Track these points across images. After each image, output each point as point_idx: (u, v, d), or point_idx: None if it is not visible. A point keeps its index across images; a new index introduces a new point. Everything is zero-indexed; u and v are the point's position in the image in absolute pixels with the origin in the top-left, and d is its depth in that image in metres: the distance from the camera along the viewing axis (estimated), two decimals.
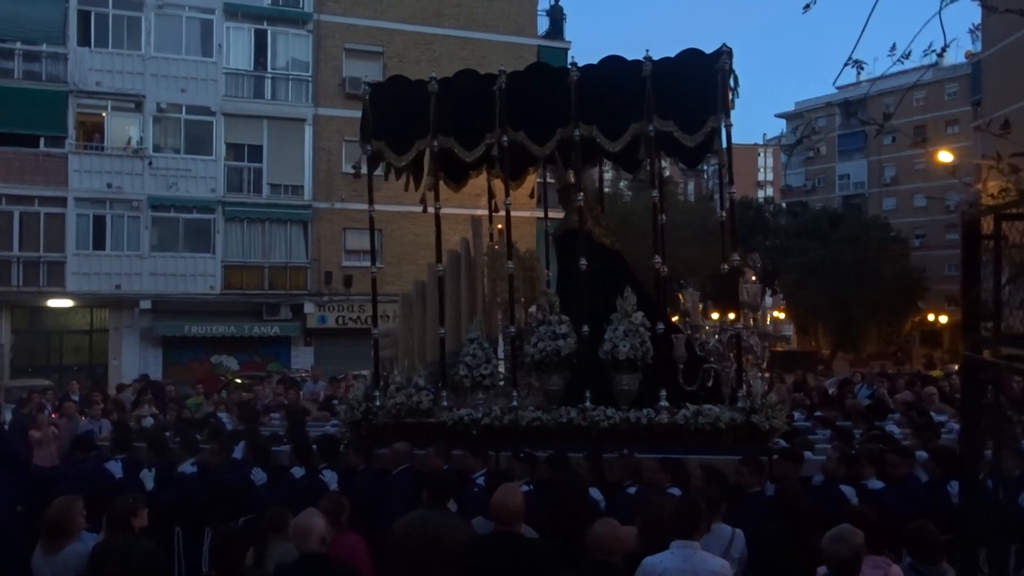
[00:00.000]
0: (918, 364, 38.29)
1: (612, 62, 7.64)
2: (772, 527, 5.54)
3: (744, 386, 7.11)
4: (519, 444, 7.32)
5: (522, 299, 8.61)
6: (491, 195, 9.53)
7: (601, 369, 7.48)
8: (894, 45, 6.31)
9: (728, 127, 7.31)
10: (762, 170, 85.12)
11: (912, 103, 53.16)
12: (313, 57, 28.20)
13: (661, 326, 7.43)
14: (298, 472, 7.66)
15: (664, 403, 7.31)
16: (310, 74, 28.16)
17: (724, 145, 7.48)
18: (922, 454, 6.58)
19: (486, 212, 9.63)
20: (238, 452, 8.28)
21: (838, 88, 61.90)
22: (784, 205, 54.72)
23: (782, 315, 55.95)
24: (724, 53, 7.24)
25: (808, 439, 7.49)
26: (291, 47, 28.37)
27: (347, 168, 27.70)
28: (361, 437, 8.01)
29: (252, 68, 27.98)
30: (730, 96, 7.26)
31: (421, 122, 7.96)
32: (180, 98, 26.91)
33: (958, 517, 3.74)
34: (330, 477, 7.35)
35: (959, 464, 6.42)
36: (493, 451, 7.51)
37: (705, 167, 9.02)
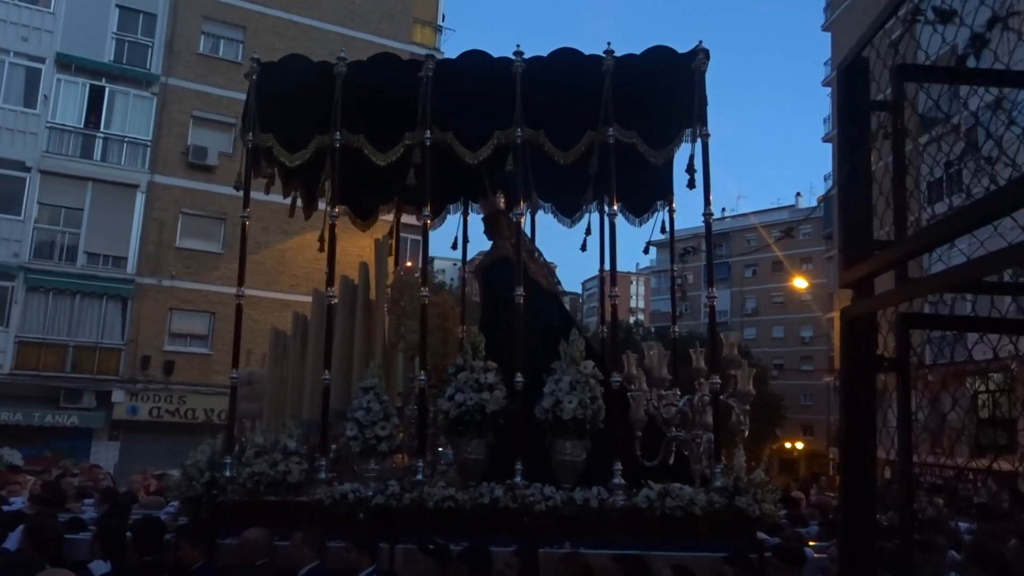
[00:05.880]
0: None
1: (565, 56, 6.28)
2: None
3: (722, 461, 5.60)
4: (424, 533, 5.40)
5: (429, 354, 6.75)
6: (397, 233, 7.84)
7: (537, 433, 5.78)
8: None
9: (705, 138, 6.06)
10: (634, 297, 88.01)
11: (770, 239, 57.03)
12: (155, 121, 25.72)
13: (616, 379, 5.86)
14: (100, 569, 5.36)
15: (619, 480, 5.66)
16: (150, 138, 25.54)
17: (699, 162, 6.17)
18: (953, 554, 5.21)
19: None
20: (13, 541, 5.86)
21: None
22: (653, 329, 56.32)
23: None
24: (701, 53, 6.09)
25: (799, 533, 5.98)
26: (131, 108, 25.75)
27: (181, 243, 25.10)
28: (201, 520, 5.80)
29: (82, 125, 25.07)
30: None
31: (322, 114, 6.26)
32: None
33: None
34: None
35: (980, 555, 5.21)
36: (387, 542, 5.53)
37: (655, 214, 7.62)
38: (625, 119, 6.06)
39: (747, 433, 5.80)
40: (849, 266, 2.21)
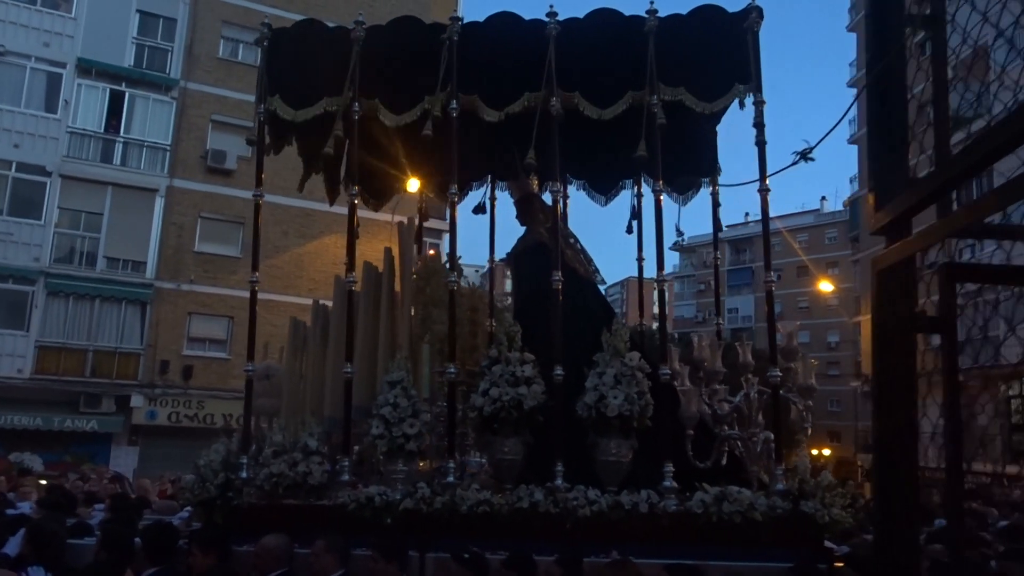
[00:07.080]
0: None
1: (602, 17, 5.79)
2: None
3: (784, 461, 5.08)
4: (457, 540, 4.93)
5: (458, 347, 6.29)
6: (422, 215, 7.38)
7: (579, 431, 5.29)
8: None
9: (759, 105, 5.52)
10: (657, 303, 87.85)
11: (795, 244, 56.33)
12: (175, 125, 25.54)
13: (666, 372, 5.36)
14: None
15: (671, 482, 5.16)
16: (169, 142, 25.37)
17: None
18: None
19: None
20: (14, 546, 5.48)
21: (728, 227, 65.47)
22: (676, 335, 56.07)
23: None
24: (754, 11, 5.56)
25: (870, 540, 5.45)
26: (151, 113, 25.62)
27: (200, 247, 24.90)
28: (214, 525, 5.36)
29: (102, 130, 24.94)
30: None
31: (335, 77, 5.84)
32: (11, 154, 23.62)
33: None
34: None
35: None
36: (416, 550, 5.07)
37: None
38: (670, 77, 5.58)
39: (810, 431, 5.29)
40: (880, 207, 1.79)
